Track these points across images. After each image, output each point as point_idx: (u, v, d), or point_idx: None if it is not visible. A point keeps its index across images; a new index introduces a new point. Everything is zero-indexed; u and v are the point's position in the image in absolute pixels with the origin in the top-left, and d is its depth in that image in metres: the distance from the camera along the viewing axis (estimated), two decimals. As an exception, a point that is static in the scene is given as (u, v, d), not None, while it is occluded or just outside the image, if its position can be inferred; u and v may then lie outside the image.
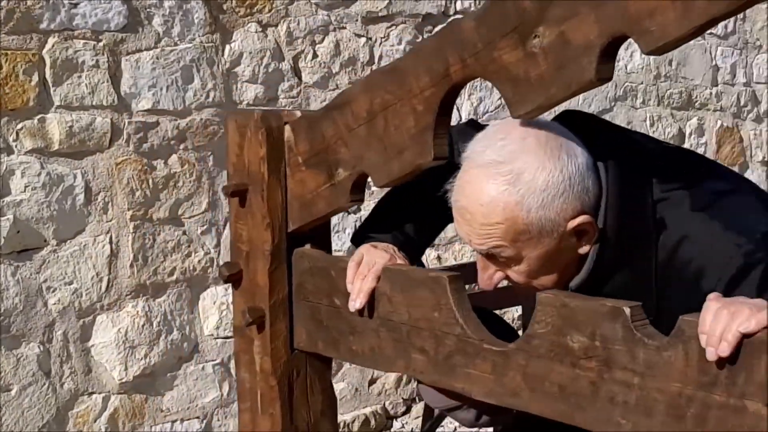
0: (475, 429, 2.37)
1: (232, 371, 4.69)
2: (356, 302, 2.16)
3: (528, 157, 1.89)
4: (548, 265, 1.95)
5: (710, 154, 6.26)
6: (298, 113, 2.37)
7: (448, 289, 2.02)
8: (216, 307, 4.63)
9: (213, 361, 4.66)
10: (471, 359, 1.99)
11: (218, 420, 4.68)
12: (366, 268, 2.18)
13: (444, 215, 2.29)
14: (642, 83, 6.10)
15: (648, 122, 6.12)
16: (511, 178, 1.89)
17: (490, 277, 1.99)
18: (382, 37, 5.04)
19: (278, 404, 2.37)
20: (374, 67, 4.99)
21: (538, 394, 1.89)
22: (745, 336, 1.57)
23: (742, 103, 6.56)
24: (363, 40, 5.00)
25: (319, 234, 2.40)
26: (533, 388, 1.89)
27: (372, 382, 5.08)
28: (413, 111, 2.03)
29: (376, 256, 2.19)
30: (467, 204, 1.95)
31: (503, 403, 1.96)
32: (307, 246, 2.37)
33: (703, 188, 1.97)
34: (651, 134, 5.12)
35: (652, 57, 5.76)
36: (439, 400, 2.19)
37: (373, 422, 5.08)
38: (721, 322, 1.59)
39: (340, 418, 4.99)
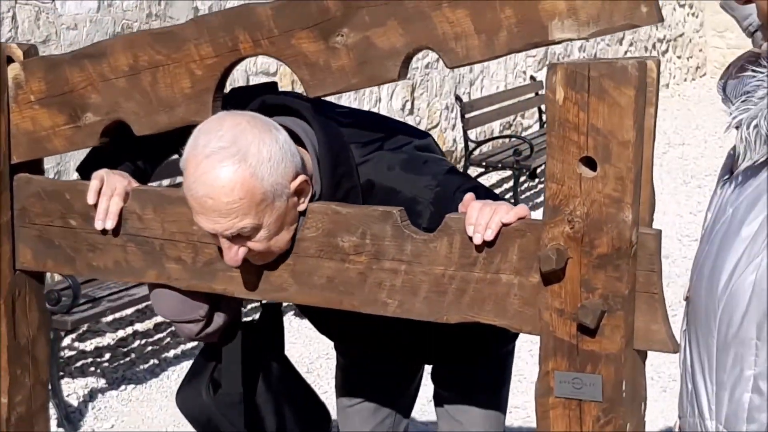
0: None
1: None
2: (107, 222, 2.38)
3: (247, 137, 2.19)
4: (282, 226, 2.26)
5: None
6: (15, 46, 2.48)
7: (212, 205, 2.31)
8: None
9: None
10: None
11: None
12: (109, 190, 2.40)
13: (163, 149, 2.59)
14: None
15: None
16: (240, 157, 2.17)
17: (236, 254, 2.24)
18: None
19: (4, 322, 2.50)
20: None
21: (305, 287, 2.27)
22: (504, 225, 2.11)
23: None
24: None
25: (34, 165, 2.55)
26: (301, 283, 2.27)
27: None
28: (190, 74, 2.29)
29: (116, 180, 2.42)
30: (208, 191, 2.16)
31: (268, 298, 2.33)
32: (25, 174, 2.51)
33: (392, 148, 2.45)
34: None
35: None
36: (173, 312, 2.47)
37: None
38: (485, 215, 2.11)
39: None
